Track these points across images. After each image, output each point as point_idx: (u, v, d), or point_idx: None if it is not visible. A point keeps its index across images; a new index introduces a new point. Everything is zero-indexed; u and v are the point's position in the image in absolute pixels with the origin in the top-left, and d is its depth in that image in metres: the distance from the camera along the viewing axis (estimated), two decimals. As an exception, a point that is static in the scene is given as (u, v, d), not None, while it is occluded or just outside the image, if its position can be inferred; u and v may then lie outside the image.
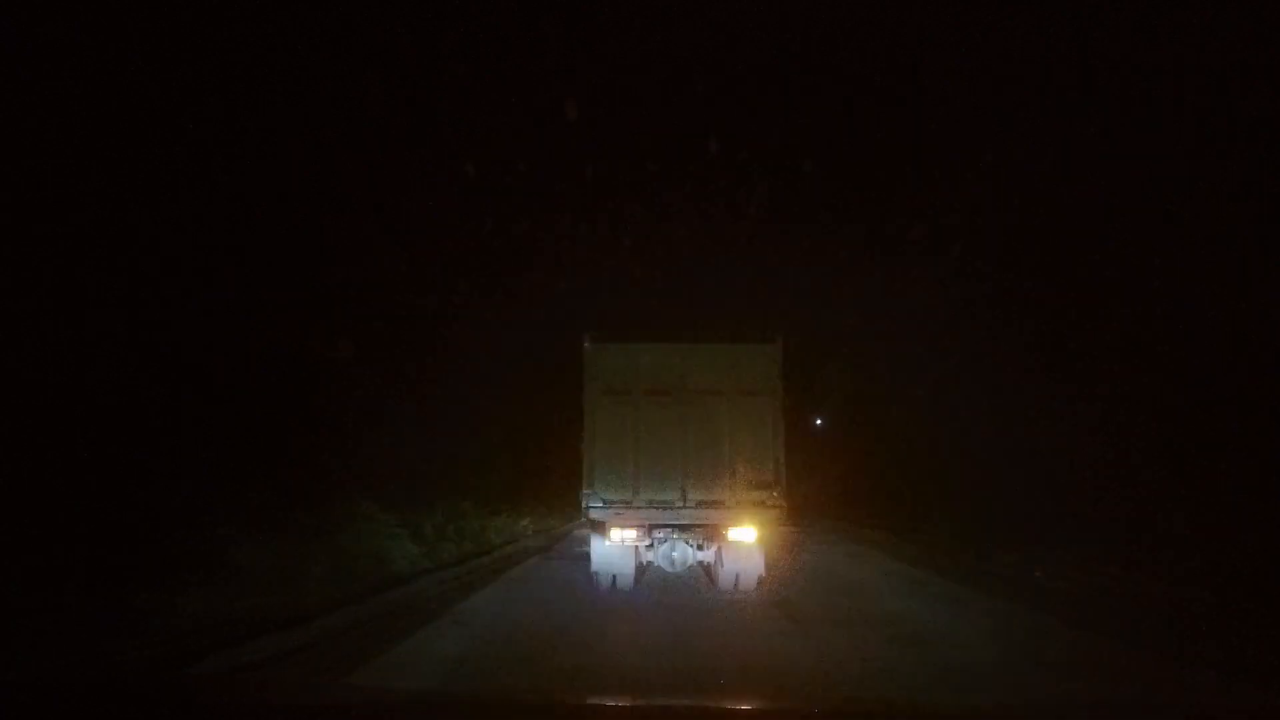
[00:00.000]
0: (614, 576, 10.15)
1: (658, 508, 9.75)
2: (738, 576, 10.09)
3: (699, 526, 9.87)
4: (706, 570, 10.76)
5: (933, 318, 25.72)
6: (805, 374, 29.93)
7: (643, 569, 10.37)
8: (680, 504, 9.74)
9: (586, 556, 10.36)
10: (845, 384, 32.44)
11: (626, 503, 9.77)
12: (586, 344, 10.14)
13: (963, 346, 24.39)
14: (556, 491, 23.64)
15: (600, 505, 9.82)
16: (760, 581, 10.17)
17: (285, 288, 13.48)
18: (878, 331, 28.95)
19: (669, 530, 9.88)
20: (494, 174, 19.61)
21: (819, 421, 38.71)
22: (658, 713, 2.96)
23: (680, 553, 9.95)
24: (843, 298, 29.44)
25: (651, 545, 9.98)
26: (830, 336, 30.24)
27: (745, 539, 9.78)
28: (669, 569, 10.11)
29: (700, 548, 10.06)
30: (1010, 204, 18.96)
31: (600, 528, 9.91)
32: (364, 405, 16.49)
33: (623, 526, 9.78)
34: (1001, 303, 20.84)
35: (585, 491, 9.88)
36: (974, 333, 23.01)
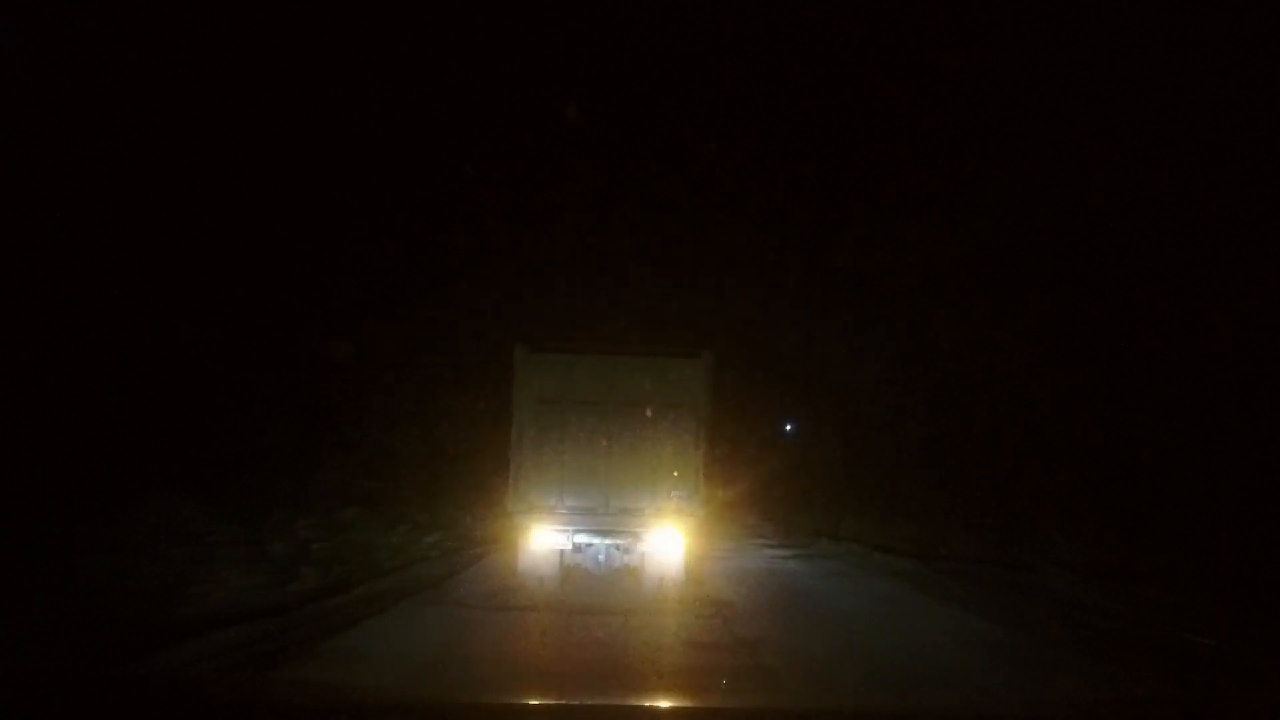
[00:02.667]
0: (540, 579, 10.34)
1: (581, 514, 10.19)
2: (661, 579, 10.35)
3: (621, 532, 10.27)
4: (631, 573, 10.79)
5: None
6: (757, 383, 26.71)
7: (568, 571, 10.60)
8: (603, 510, 10.20)
9: (486, 598, 10.00)
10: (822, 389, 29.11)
11: (551, 509, 10.14)
12: (517, 353, 10.37)
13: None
14: (482, 501, 19.33)
15: (525, 511, 10.14)
16: (680, 583, 10.28)
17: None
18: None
19: (592, 535, 10.28)
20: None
21: (788, 427, 35.37)
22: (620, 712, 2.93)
23: (606, 556, 10.41)
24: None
25: (578, 550, 10.35)
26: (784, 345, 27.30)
27: (665, 544, 10.20)
28: (595, 571, 10.53)
29: (625, 552, 10.42)
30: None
31: (525, 532, 10.22)
32: (207, 373, 12.05)
33: (547, 531, 10.13)
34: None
35: (511, 496, 10.22)
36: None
